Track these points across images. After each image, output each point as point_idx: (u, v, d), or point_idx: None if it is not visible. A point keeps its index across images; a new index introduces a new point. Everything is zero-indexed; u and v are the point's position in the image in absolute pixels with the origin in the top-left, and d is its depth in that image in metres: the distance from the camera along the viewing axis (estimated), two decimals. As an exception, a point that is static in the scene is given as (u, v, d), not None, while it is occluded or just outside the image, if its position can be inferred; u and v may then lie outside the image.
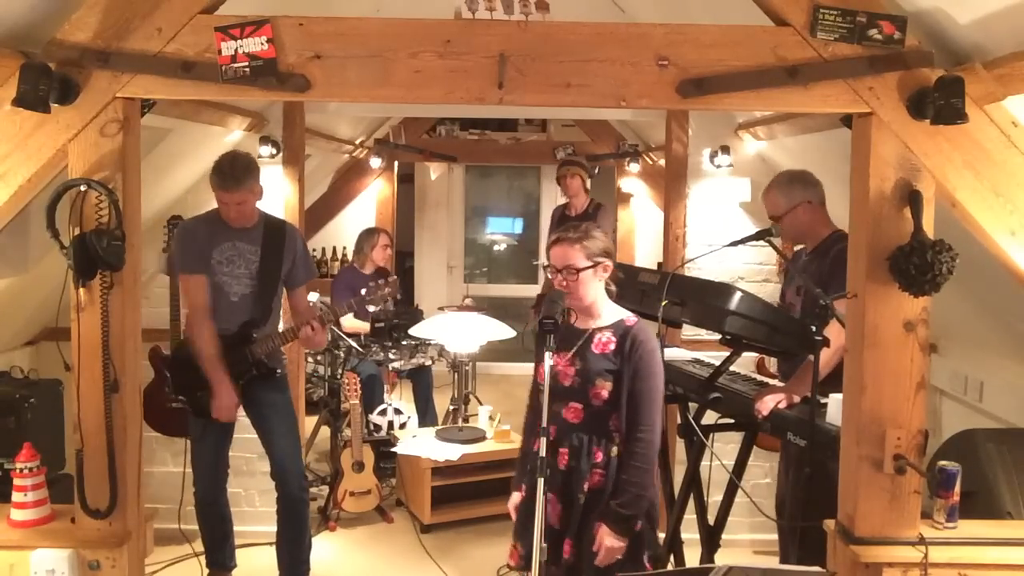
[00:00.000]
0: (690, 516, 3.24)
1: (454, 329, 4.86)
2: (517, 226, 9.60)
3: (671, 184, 4.35)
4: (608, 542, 2.48)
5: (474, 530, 4.52)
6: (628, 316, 2.63)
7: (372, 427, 5.02)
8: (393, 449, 4.79)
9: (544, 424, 2.27)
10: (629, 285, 3.15)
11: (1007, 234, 2.23)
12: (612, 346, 2.56)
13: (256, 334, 3.48)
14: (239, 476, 4.15)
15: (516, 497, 2.73)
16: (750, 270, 4.33)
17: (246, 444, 3.97)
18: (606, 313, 2.62)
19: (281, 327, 3.64)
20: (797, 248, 3.35)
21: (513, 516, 2.72)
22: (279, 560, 3.70)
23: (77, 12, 2.19)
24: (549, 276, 2.62)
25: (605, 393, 2.53)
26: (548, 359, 2.32)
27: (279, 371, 3.61)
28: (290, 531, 3.65)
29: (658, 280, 3.01)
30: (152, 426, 3.51)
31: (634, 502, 2.51)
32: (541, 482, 2.20)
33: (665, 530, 3.21)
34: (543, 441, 2.25)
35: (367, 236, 5.77)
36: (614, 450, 2.56)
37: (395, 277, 3.98)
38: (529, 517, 2.51)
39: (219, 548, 3.75)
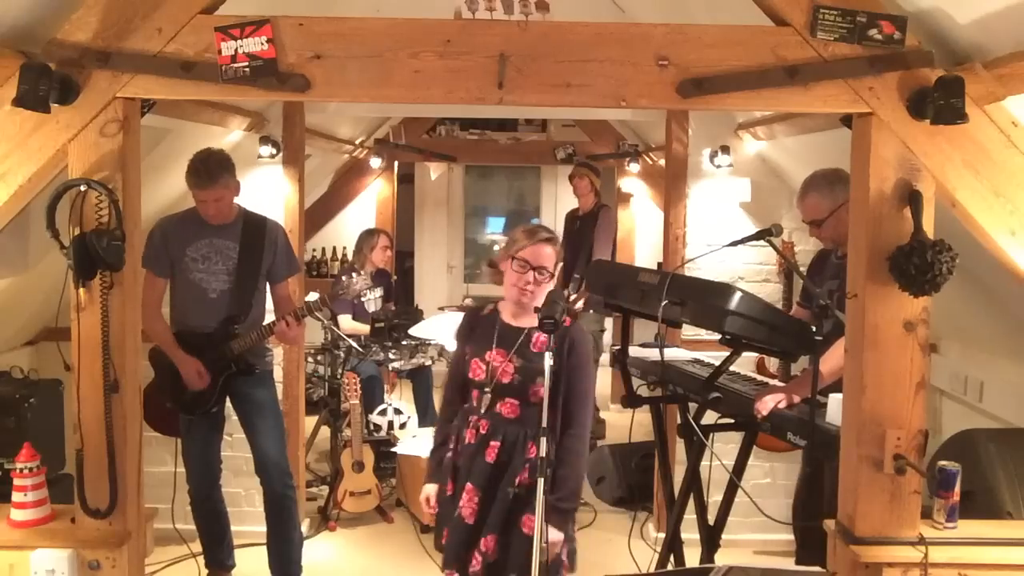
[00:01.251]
0: (690, 516, 3.24)
1: (454, 329, 4.84)
2: (517, 226, 9.60)
3: (671, 184, 4.35)
4: (552, 536, 2.48)
5: (474, 530, 4.52)
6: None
7: (372, 427, 5.02)
8: (393, 449, 4.79)
9: (544, 424, 2.27)
10: (629, 285, 3.16)
11: (1007, 234, 2.23)
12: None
13: (236, 330, 3.48)
14: (239, 476, 4.16)
15: (432, 489, 2.73)
16: (750, 270, 4.33)
17: (245, 444, 3.96)
18: None
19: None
20: (823, 248, 3.27)
21: (427, 509, 2.74)
22: (269, 559, 3.69)
23: (77, 12, 2.19)
24: (514, 270, 2.60)
25: (542, 391, 2.51)
26: (548, 359, 2.32)
27: (259, 367, 3.60)
28: (277, 529, 3.64)
29: (658, 280, 3.01)
30: (152, 426, 3.51)
31: (572, 496, 2.58)
32: (541, 482, 2.21)
33: (665, 530, 3.21)
34: (543, 441, 2.25)
35: (367, 237, 5.77)
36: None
37: (359, 271, 3.94)
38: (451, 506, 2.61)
39: (216, 546, 3.75)
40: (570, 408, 2.58)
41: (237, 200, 3.54)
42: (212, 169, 3.34)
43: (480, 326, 2.72)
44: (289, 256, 3.69)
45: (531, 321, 2.60)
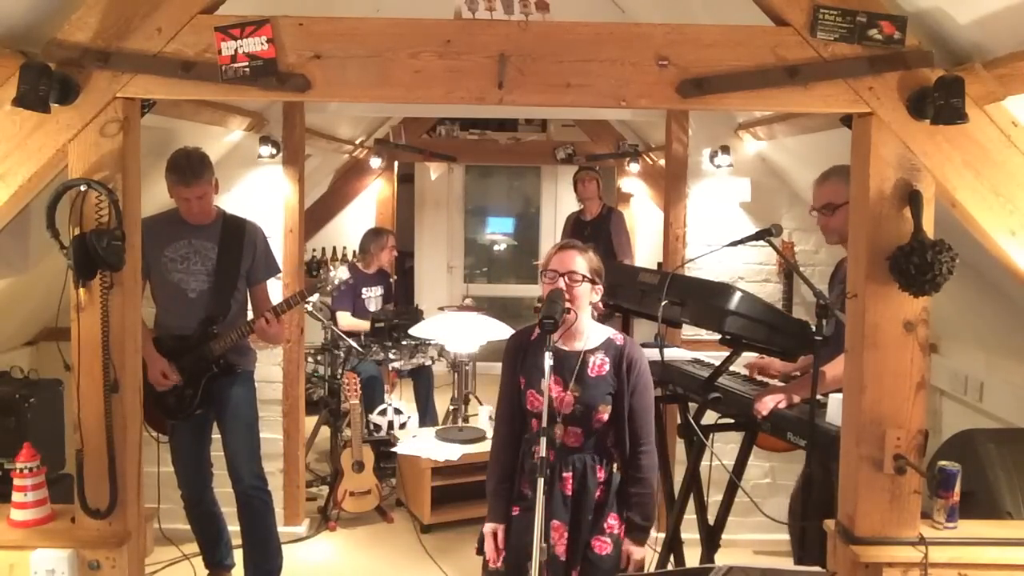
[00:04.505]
0: (690, 516, 3.24)
1: (454, 329, 4.86)
2: (517, 226, 9.61)
3: (671, 184, 4.35)
4: (637, 555, 2.54)
5: (474, 530, 4.46)
6: (614, 334, 2.61)
7: (372, 427, 5.02)
8: (393, 449, 4.79)
9: (544, 424, 2.27)
10: (629, 285, 3.16)
11: (1007, 234, 2.23)
12: (607, 367, 2.54)
13: (216, 330, 3.47)
14: (238, 476, 4.15)
15: (500, 530, 2.60)
16: (750, 270, 4.33)
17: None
18: (592, 333, 2.58)
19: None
20: (840, 257, 3.23)
21: (491, 547, 2.59)
22: (244, 562, 3.65)
23: (77, 12, 2.19)
24: (545, 282, 2.54)
25: (605, 416, 2.52)
26: (548, 359, 2.31)
27: (240, 367, 3.59)
28: (249, 532, 3.61)
29: (658, 280, 3.01)
30: (152, 426, 3.51)
31: (650, 513, 2.58)
32: (541, 482, 2.20)
33: (665, 530, 3.21)
34: (543, 441, 2.25)
35: (374, 237, 5.79)
36: (614, 466, 2.58)
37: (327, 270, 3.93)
38: (522, 527, 2.50)
39: (214, 548, 3.74)
40: (637, 425, 2.54)
41: (216, 202, 3.53)
42: (195, 165, 3.34)
43: (531, 353, 2.59)
44: (268, 258, 3.67)
45: (584, 343, 2.55)
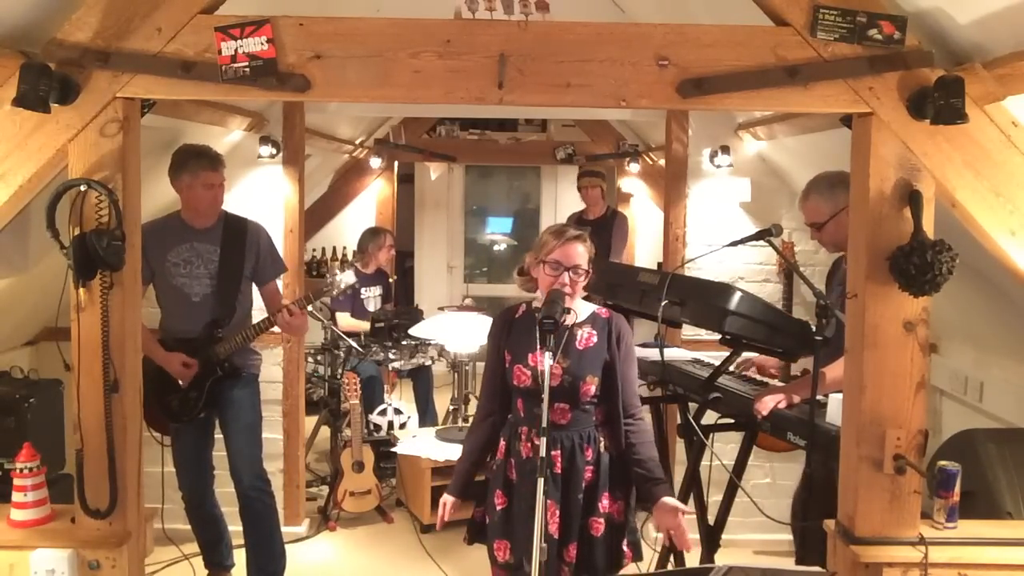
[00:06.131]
0: (690, 516, 3.23)
1: (454, 329, 4.86)
2: (517, 226, 9.60)
3: (671, 184, 4.35)
4: (681, 505, 2.52)
5: (474, 530, 4.52)
6: (598, 308, 2.66)
7: (372, 427, 5.02)
8: (393, 449, 4.79)
9: (544, 424, 2.27)
10: (629, 285, 3.16)
11: (1007, 234, 2.23)
12: (595, 339, 2.57)
13: (220, 333, 3.47)
14: (237, 476, 4.14)
15: (450, 500, 2.69)
16: (750, 270, 4.33)
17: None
18: (579, 309, 2.62)
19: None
20: (837, 255, 3.24)
21: (441, 514, 2.71)
22: (247, 564, 3.64)
23: (77, 12, 2.19)
24: (547, 273, 2.54)
25: (593, 389, 2.53)
26: (548, 359, 2.32)
27: (245, 371, 3.58)
28: (250, 533, 3.60)
29: (658, 280, 3.01)
30: (153, 427, 3.50)
31: (661, 472, 2.61)
32: (541, 482, 2.21)
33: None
34: (543, 441, 2.25)
35: (372, 236, 5.79)
36: (602, 444, 2.57)
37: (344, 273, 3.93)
38: (518, 518, 2.52)
39: (214, 548, 3.74)
40: (628, 395, 2.60)
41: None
42: (213, 151, 3.39)
43: (516, 329, 2.62)
44: (274, 257, 3.67)
45: (572, 318, 2.57)
